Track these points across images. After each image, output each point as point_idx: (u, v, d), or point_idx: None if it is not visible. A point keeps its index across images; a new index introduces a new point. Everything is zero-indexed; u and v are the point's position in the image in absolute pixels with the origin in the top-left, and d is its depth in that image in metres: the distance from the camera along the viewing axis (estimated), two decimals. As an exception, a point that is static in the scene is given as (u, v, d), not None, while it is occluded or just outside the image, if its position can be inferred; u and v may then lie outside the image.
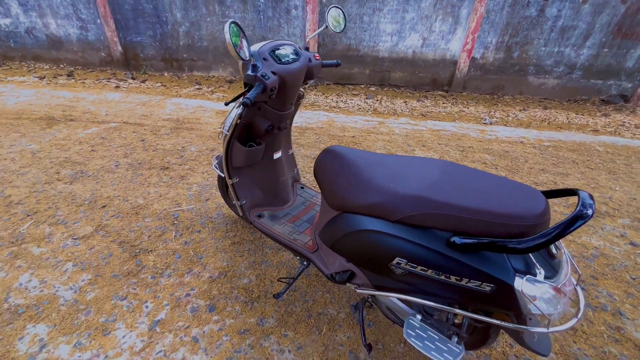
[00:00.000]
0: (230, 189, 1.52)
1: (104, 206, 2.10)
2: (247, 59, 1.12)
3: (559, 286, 0.83)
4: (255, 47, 1.28)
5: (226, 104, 1.19)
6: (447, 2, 5.14)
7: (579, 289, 0.92)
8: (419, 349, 0.99)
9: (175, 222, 2.00)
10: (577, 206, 0.77)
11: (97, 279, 1.58)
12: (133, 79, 5.59)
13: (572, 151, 3.35)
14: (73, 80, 5.23)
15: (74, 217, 2.00)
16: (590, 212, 0.75)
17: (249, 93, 1.10)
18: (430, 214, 0.90)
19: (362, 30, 5.46)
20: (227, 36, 1.03)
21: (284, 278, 1.60)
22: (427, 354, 0.97)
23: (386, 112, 4.50)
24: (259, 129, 1.38)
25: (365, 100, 5.07)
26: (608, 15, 4.98)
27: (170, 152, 2.82)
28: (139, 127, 3.29)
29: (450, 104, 5.12)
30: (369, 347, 1.29)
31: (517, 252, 0.79)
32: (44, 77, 5.27)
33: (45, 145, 2.82)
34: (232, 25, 1.05)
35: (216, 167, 1.74)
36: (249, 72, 1.14)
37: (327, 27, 1.43)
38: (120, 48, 5.80)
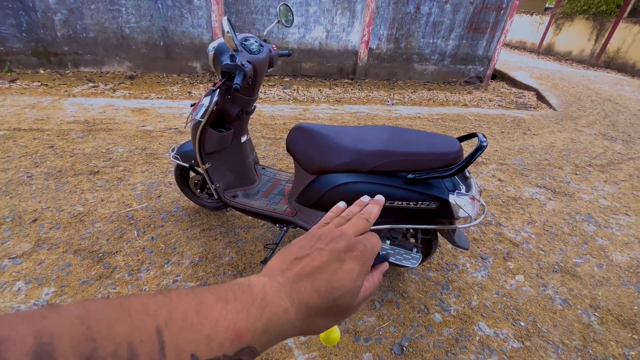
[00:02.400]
0: (204, 174, 1.60)
1: (34, 220, 1.86)
2: (240, 49, 1.25)
3: (473, 196, 1.28)
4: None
5: (212, 91, 1.29)
6: (343, -2, 5.71)
7: (481, 199, 1.41)
8: (393, 262, 1.35)
9: (132, 222, 1.93)
10: (477, 142, 1.21)
11: (64, 289, 1.48)
12: (-4, 78, 4.53)
13: (453, 121, 4.30)
14: None
15: (-2, 237, 1.73)
16: (485, 144, 1.20)
17: (236, 79, 1.24)
18: (392, 161, 1.26)
19: (269, 22, 5.61)
20: (226, 27, 1.15)
21: (269, 244, 1.79)
22: (400, 264, 1.35)
23: (305, 100, 4.84)
24: (229, 114, 1.51)
25: (284, 90, 5.30)
26: (463, 13, 6.32)
27: (94, 156, 2.56)
28: (39, 133, 2.83)
29: (357, 90, 5.78)
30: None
31: (449, 177, 1.21)
32: None
33: None
34: (227, 20, 1.18)
35: (175, 159, 1.77)
36: (228, 62, 1.28)
37: (279, 22, 1.63)
38: (-33, 40, 4.60)
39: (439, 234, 1.50)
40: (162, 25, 5.20)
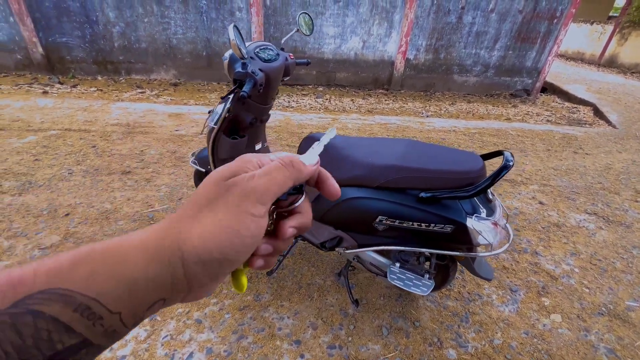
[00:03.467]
0: (216, 180, 1.61)
1: (67, 214, 2.00)
2: (246, 57, 1.25)
3: (496, 221, 1.14)
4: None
5: (222, 98, 1.30)
6: (381, 8, 5.66)
7: (508, 225, 1.25)
8: (401, 286, 1.24)
9: (152, 222, 2.00)
10: (502, 161, 1.08)
11: (79, 283, 1.55)
12: (60, 83, 5.08)
13: (492, 136, 4.01)
14: (-16, 86, 4.58)
15: (33, 228, 1.87)
16: (511, 164, 1.06)
17: (245, 87, 1.23)
18: (403, 178, 1.16)
19: (303, 36, 5.71)
20: (232, 35, 1.16)
21: None
22: (409, 290, 1.23)
23: (336, 109, 4.81)
24: (243, 122, 1.51)
25: (315, 99, 5.33)
26: (510, 23, 5.96)
27: (129, 157, 2.73)
28: (85, 134, 3.08)
29: (391, 101, 5.65)
30: (356, 303, 1.52)
31: (465, 198, 1.08)
32: (-55, 83, 4.53)
33: (-26, 158, 2.52)
34: (234, 27, 1.18)
35: (194, 164, 1.81)
36: (240, 70, 1.28)
37: (298, 30, 1.62)
38: (41, 50, 5.22)
39: (457, 261, 1.36)
40: (206, 37, 5.51)
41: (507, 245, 1.18)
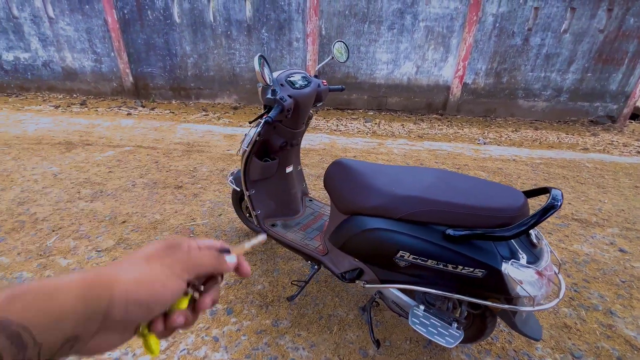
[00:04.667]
0: (247, 200, 1.67)
1: (123, 222, 2.24)
2: (270, 84, 1.31)
3: (541, 270, 0.96)
4: (274, 76, 1.49)
5: (250, 122, 1.36)
6: (437, 33, 5.55)
7: (560, 275, 1.05)
8: (423, 334, 1.10)
9: (192, 235, 2.13)
10: (548, 199, 0.92)
11: (121, 287, 1.69)
12: (143, 106, 5.88)
13: (562, 167, 3.53)
14: (86, 108, 5.51)
15: (96, 231, 2.13)
16: (558, 203, 0.90)
17: (271, 113, 1.28)
18: (428, 211, 1.06)
19: (359, 60, 5.84)
20: (257, 66, 1.23)
21: (297, 281, 1.72)
22: (431, 338, 1.08)
23: (384, 134, 4.74)
24: (274, 145, 1.55)
25: (364, 123, 5.33)
26: (589, 43, 5.37)
27: (183, 173, 2.99)
28: (152, 150, 3.48)
29: (445, 126, 5.38)
30: (377, 343, 1.39)
31: (502, 239, 0.94)
32: (59, 106, 5.56)
33: (65, 168, 3.00)
34: (260, 57, 1.26)
35: (231, 182, 1.90)
36: (269, 96, 1.34)
37: (332, 57, 1.65)
38: (131, 78, 6.15)
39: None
40: (265, 65, 5.95)
41: (557, 300, 0.99)
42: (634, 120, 6.31)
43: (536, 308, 0.96)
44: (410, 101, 6.14)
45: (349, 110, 6.13)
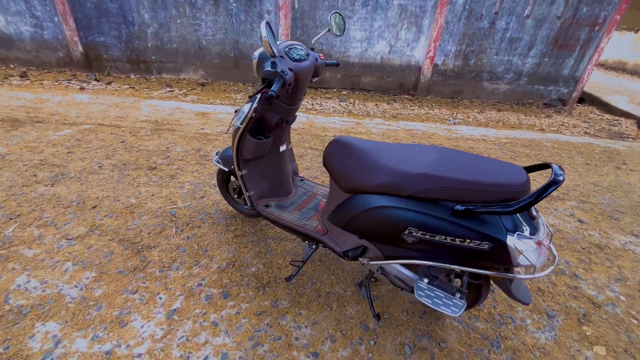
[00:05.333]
0: (239, 180, 1.59)
1: (94, 207, 2.05)
2: (277, 55, 1.22)
3: (540, 241, 1.03)
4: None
5: (250, 97, 1.28)
6: (410, 13, 5.55)
7: (552, 245, 1.14)
8: (429, 305, 1.15)
9: (174, 219, 2.01)
10: (551, 175, 0.97)
11: (102, 276, 1.57)
12: (97, 80, 5.31)
13: (525, 147, 3.80)
14: (28, 81, 4.86)
15: (62, 218, 1.93)
16: (561, 178, 0.96)
17: (274, 86, 1.20)
18: (437, 188, 1.08)
19: (333, 37, 5.69)
20: (264, 31, 1.13)
21: (295, 261, 1.70)
22: (437, 309, 1.14)
23: (360, 114, 4.74)
24: (269, 122, 1.48)
25: (339, 103, 5.29)
26: (547, 29, 5.68)
27: (155, 153, 2.78)
28: (116, 129, 3.18)
29: (417, 107, 5.51)
30: (378, 317, 1.44)
31: (509, 213, 0.98)
32: (-6, 78, 4.84)
33: (14, 148, 2.65)
34: (267, 24, 1.15)
35: (218, 163, 1.80)
36: (268, 68, 1.25)
37: (329, 30, 1.58)
38: (81, 48, 5.49)
39: (491, 281, 1.25)
40: (234, 38, 5.60)
41: (552, 267, 1.07)
42: (581, 103, 6.90)
43: (537, 275, 1.03)
44: (383, 81, 6.16)
45: (322, 89, 6.02)
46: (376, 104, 5.37)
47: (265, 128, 1.54)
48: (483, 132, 4.21)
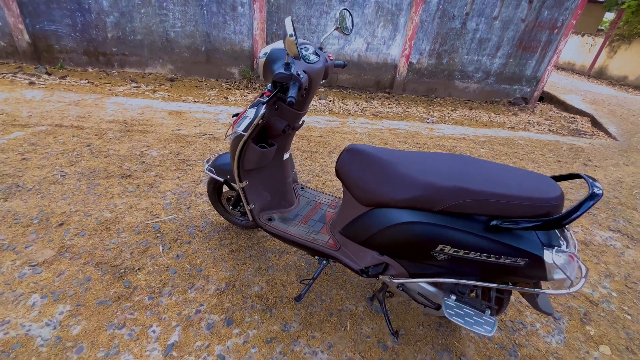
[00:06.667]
0: (240, 192, 1.43)
1: (61, 224, 1.78)
2: (301, 56, 1.08)
3: (573, 254, 1.01)
4: (282, 45, 1.24)
5: (262, 103, 1.13)
6: (387, 11, 5.55)
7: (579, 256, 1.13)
8: (461, 325, 1.09)
9: (158, 234, 1.79)
10: (589, 188, 0.95)
11: (79, 309, 1.34)
12: (48, 74, 4.74)
13: (502, 145, 3.95)
14: (-37, 74, 4.21)
15: (22, 240, 1.65)
16: (600, 192, 0.93)
17: (291, 91, 1.06)
18: (472, 202, 1.01)
19: (310, 32, 5.55)
20: (290, 29, 0.98)
21: (304, 279, 1.58)
22: (470, 329, 1.09)
23: (342, 112, 4.67)
24: (275, 129, 1.33)
25: (319, 100, 5.17)
26: (513, 31, 5.96)
27: (128, 158, 2.50)
28: (79, 131, 2.82)
29: (394, 105, 5.54)
30: (396, 334, 1.37)
31: (551, 228, 0.94)
32: None
33: (-48, 155, 2.25)
34: (291, 21, 1.00)
35: (210, 171, 1.62)
36: (282, 71, 1.11)
37: (337, 28, 1.46)
38: (27, 37, 4.86)
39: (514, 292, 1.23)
40: (205, 31, 5.26)
41: (584, 280, 1.05)
42: (541, 102, 7.36)
43: (573, 289, 1.01)
44: (360, 79, 6.13)
45: (300, 86, 5.86)
46: (355, 102, 5.33)
47: (270, 135, 1.39)
48: (462, 131, 4.31)
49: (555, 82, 9.40)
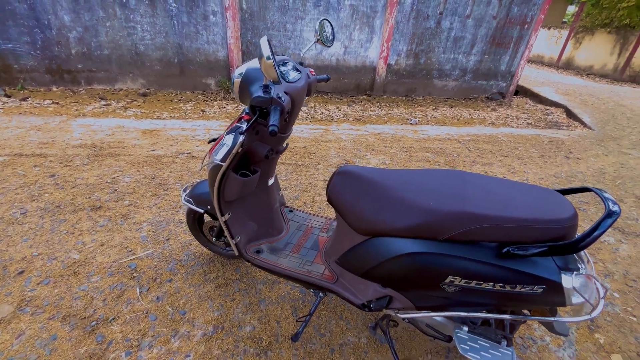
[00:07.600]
0: (223, 226, 1.30)
1: (20, 272, 1.58)
2: (280, 80, 0.96)
3: (590, 274, 0.93)
4: (257, 64, 1.12)
5: (241, 134, 1.00)
6: (362, 13, 5.51)
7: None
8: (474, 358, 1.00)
9: (135, 274, 1.62)
10: (605, 207, 0.87)
11: (44, 377, 1.17)
12: (7, 96, 4.42)
13: (486, 143, 3.95)
14: None
15: (-25, 296, 1.44)
16: (618, 210, 0.86)
17: (272, 118, 0.94)
18: (481, 229, 0.92)
19: (286, 38, 5.44)
20: (266, 51, 0.86)
21: (300, 317, 1.45)
22: (487, 364, 0.99)
23: (324, 118, 4.57)
24: (258, 155, 1.21)
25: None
26: (486, 28, 6.05)
27: (98, 187, 2.30)
28: (41, 159, 2.59)
29: (376, 107, 5.50)
30: (405, 367, 1.26)
31: (569, 253, 0.86)
32: None
33: None
34: (267, 41, 0.88)
35: (188, 202, 1.47)
36: (260, 94, 0.98)
37: (318, 40, 1.35)
38: (-20, 58, 4.51)
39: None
40: (177, 42, 5.06)
41: (603, 302, 0.98)
42: (516, 95, 7.53)
43: (594, 314, 0.93)
44: (340, 82, 6.07)
45: (280, 94, 5.73)
46: (337, 107, 5.25)
47: (252, 161, 1.26)
48: (446, 131, 4.30)
49: (527, 75, 9.67)
